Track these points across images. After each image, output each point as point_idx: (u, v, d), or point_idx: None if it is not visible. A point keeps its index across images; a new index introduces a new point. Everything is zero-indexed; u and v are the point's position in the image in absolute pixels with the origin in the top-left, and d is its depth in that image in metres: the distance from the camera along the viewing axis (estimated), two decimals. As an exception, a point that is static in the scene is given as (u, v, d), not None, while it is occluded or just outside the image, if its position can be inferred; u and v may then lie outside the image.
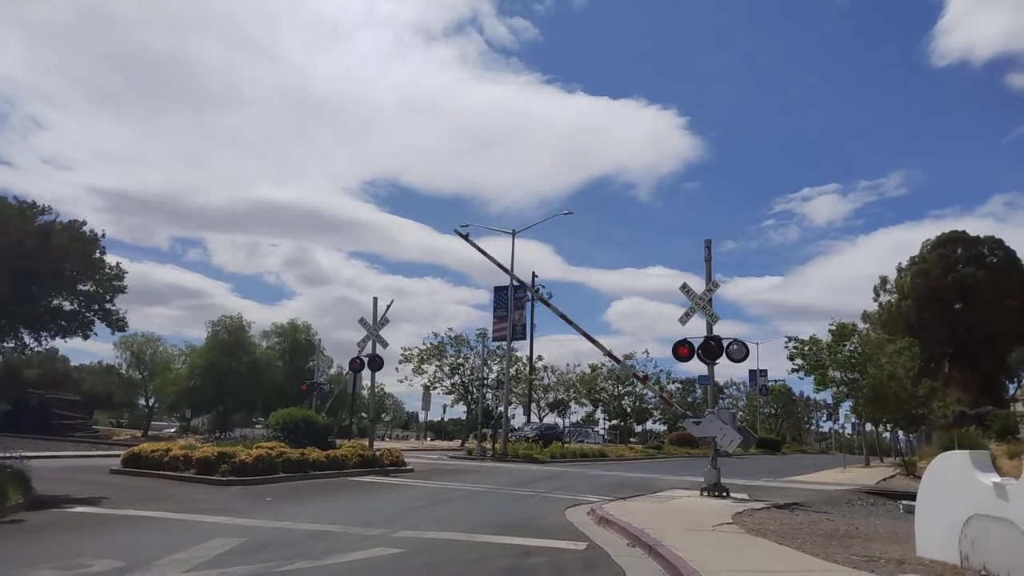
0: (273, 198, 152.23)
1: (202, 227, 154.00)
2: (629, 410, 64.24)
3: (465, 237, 30.84)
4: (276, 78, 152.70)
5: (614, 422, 69.49)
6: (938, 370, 57.46)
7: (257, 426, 53.49)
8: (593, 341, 25.67)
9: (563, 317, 24.19)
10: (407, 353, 48.43)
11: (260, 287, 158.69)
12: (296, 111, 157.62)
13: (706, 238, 18.17)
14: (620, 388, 62.88)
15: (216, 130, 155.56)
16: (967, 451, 8.59)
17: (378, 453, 22.19)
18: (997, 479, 7.76)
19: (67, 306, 42.09)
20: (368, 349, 26.80)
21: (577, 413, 73.03)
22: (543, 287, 42.92)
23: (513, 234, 37.17)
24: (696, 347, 17.30)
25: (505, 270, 32.99)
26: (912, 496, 10.04)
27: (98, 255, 41.78)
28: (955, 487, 8.24)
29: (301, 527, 9.79)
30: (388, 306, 28.01)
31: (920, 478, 10.00)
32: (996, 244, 60.72)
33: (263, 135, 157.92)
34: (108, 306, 42.94)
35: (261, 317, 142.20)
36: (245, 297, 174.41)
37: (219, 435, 50.76)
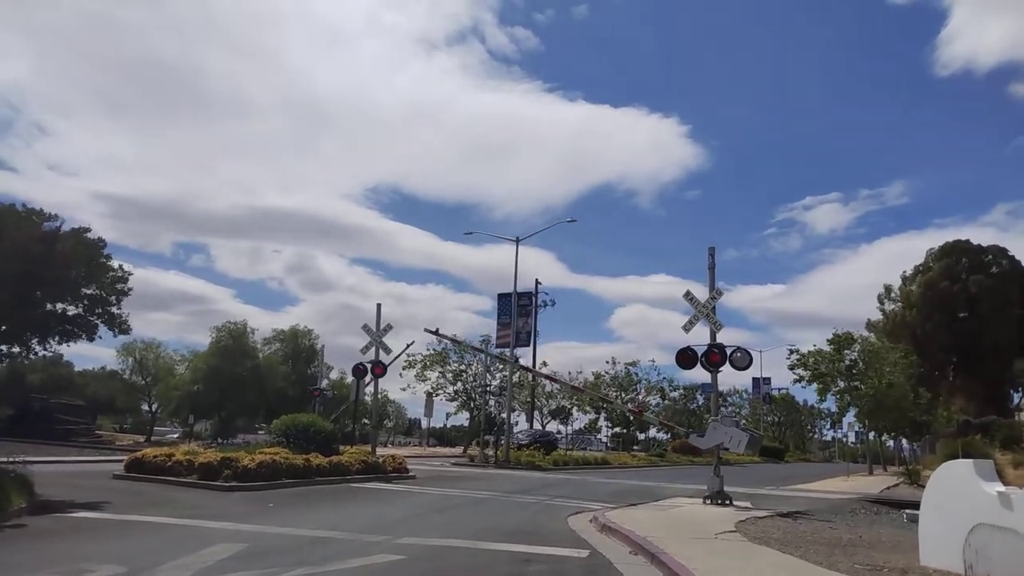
0: (276, 205, 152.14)
1: (206, 233, 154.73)
2: (632, 417, 64.05)
3: (435, 333, 32.40)
4: (280, 85, 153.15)
5: (617, 429, 69.26)
6: (943, 379, 57.33)
7: (260, 431, 53.55)
8: (579, 390, 25.99)
9: (549, 378, 24.44)
10: (410, 359, 48.41)
11: (263, 293, 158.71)
12: (300, 118, 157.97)
13: (709, 246, 18.11)
14: (623, 396, 62.77)
15: (220, 137, 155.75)
16: (971, 460, 8.57)
17: (381, 459, 22.13)
18: (1002, 488, 7.73)
19: (71, 310, 42.25)
20: (372, 355, 26.80)
21: (580, 420, 72.91)
22: (546, 294, 42.99)
23: (517, 241, 37.52)
24: (700, 355, 17.24)
25: (481, 351, 33.72)
26: (916, 505, 9.99)
27: (103, 260, 41.98)
28: (959, 496, 8.20)
29: (303, 533, 9.78)
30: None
31: (924, 487, 9.97)
32: (1000, 253, 60.60)
33: (267, 142, 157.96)
34: (112, 309, 43.14)
35: (264, 323, 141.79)
36: (248, 303, 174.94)
37: (222, 440, 50.75)
